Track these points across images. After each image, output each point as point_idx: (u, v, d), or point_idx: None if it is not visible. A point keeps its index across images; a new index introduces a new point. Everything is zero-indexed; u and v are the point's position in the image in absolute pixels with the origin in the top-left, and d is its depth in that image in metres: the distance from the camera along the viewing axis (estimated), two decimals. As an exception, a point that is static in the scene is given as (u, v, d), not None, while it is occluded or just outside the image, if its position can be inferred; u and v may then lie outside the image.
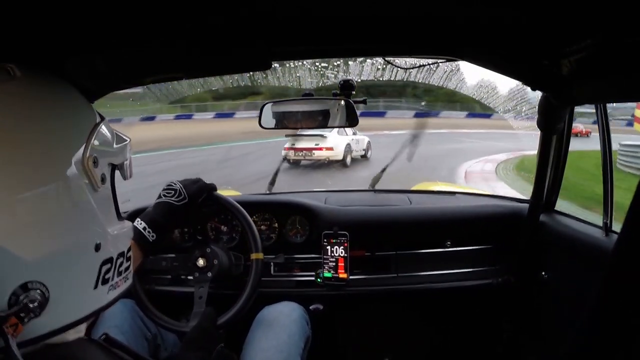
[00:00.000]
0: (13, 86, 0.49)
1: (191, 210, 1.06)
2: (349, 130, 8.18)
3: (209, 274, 1.12)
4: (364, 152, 8.85)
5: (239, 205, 1.17)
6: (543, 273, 1.27)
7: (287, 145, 7.79)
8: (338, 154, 7.84)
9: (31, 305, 0.45)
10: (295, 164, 7.95)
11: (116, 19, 0.62)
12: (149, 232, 0.99)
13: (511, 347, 1.48)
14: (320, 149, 7.77)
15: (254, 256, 1.14)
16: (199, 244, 1.16)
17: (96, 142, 0.54)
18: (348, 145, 8.19)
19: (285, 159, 7.65)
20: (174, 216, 1.04)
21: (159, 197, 1.06)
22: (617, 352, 0.36)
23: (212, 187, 1.12)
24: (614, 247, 0.40)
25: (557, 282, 1.23)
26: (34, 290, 0.46)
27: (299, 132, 6.85)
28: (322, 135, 7.57)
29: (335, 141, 7.84)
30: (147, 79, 0.94)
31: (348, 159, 7.91)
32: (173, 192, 1.05)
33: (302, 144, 7.64)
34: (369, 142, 8.99)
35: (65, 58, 0.69)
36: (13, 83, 0.49)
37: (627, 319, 0.36)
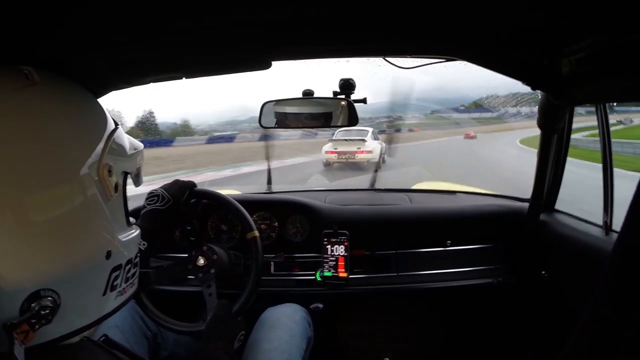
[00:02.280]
0: (34, 92, 0.49)
1: (179, 210, 1.07)
2: (376, 134, 9.15)
3: (212, 271, 1.12)
4: (383, 155, 9.58)
5: (222, 194, 1.18)
6: (543, 272, 1.28)
7: (328, 149, 8.81)
8: (376, 156, 8.54)
9: (42, 313, 0.45)
10: (331, 165, 8.94)
11: (117, 19, 0.62)
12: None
13: (511, 346, 1.48)
14: (362, 152, 8.60)
15: (249, 235, 1.14)
16: (195, 245, 1.15)
17: (112, 150, 0.54)
18: (381, 149, 8.84)
19: (326, 161, 8.94)
20: (163, 221, 1.04)
21: (144, 207, 1.06)
22: (618, 352, 0.36)
23: (192, 184, 1.14)
24: (614, 246, 0.40)
25: (557, 281, 1.23)
26: (46, 298, 0.46)
27: (340, 137, 8.63)
28: (363, 140, 8.59)
29: (373, 145, 8.73)
30: (147, 79, 0.94)
31: (381, 161, 8.67)
32: (156, 198, 1.06)
33: (344, 147, 8.63)
34: (385, 146, 9.72)
35: (69, 58, 0.69)
36: (34, 88, 0.49)
37: (627, 318, 0.36)
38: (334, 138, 8.76)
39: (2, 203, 0.44)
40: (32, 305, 0.45)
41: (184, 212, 1.10)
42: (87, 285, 0.51)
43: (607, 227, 1.05)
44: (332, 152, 8.80)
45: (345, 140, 8.53)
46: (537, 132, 1.21)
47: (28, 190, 0.45)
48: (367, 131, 8.85)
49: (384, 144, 9.34)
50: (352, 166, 8.49)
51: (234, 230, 1.43)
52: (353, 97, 1.18)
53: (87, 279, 0.51)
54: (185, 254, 1.16)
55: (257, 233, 1.14)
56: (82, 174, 0.50)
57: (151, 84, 0.98)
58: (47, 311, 0.46)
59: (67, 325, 0.50)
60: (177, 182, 1.12)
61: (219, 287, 1.14)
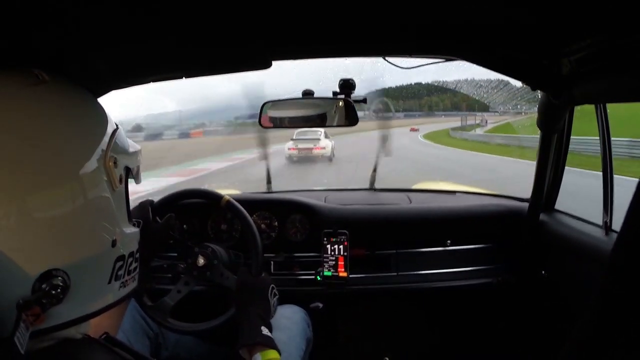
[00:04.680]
0: (44, 90, 0.52)
1: (154, 229, 1.03)
2: (327, 134, 11.32)
3: (215, 262, 1.12)
4: (333, 151, 12.17)
5: (176, 190, 1.20)
6: (543, 272, 1.28)
7: (290, 146, 10.98)
8: (328, 152, 11.27)
9: (53, 292, 0.47)
10: (292, 160, 11.11)
11: (117, 19, 0.62)
12: None
13: (511, 346, 1.48)
14: (318, 148, 11.07)
15: (222, 202, 1.15)
16: (185, 252, 1.14)
17: (116, 145, 0.57)
18: (331, 146, 11.44)
19: (289, 156, 11.02)
20: (147, 245, 1.00)
21: None
22: (617, 352, 0.36)
23: (149, 201, 1.12)
24: (614, 246, 0.40)
25: (557, 281, 1.24)
26: (57, 278, 0.48)
27: (300, 137, 10.91)
28: (317, 139, 11.01)
29: (325, 142, 11.24)
30: (147, 78, 0.95)
31: (332, 156, 11.50)
32: None
33: (303, 145, 11.01)
34: (333, 144, 12.01)
35: (69, 58, 0.69)
36: (44, 87, 0.52)
37: (627, 318, 0.36)
38: (294, 137, 10.96)
39: (15, 193, 0.46)
40: (43, 285, 0.47)
41: (160, 228, 1.05)
42: (94, 271, 0.54)
43: (607, 227, 1.05)
44: (293, 149, 11.04)
45: (304, 139, 10.90)
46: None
47: (38, 178, 0.47)
48: (320, 132, 10.86)
49: (333, 142, 11.73)
50: (308, 159, 10.99)
51: (233, 229, 1.44)
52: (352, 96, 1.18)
53: (94, 264, 0.53)
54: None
55: (227, 197, 1.16)
56: (91, 165, 0.52)
57: (151, 83, 0.98)
58: (58, 290, 0.48)
59: (76, 310, 0.52)
60: (134, 208, 1.06)
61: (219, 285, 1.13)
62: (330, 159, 11.23)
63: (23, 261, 0.46)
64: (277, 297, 1.01)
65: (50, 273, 0.47)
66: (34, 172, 0.47)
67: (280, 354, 0.84)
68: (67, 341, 0.53)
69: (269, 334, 0.87)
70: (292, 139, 11.02)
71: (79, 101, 0.56)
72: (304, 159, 11.01)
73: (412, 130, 21.40)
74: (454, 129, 20.38)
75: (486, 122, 19.23)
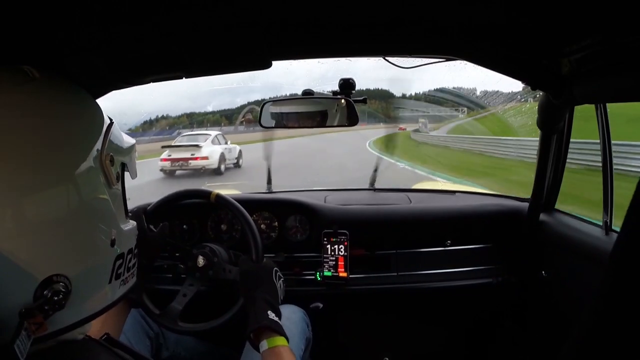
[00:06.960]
0: (34, 87, 0.50)
1: (149, 238, 1.02)
2: (221, 139, 8.85)
3: (216, 260, 1.12)
4: (236, 160, 9.37)
5: (165, 196, 1.20)
6: (543, 272, 1.28)
7: (163, 156, 8.16)
8: (213, 162, 8.22)
9: (55, 298, 0.46)
10: (170, 174, 8.28)
11: (117, 19, 0.62)
12: None
13: (510, 346, 1.48)
14: (196, 158, 8.08)
15: (212, 197, 1.15)
16: (184, 255, 1.14)
17: (111, 142, 0.56)
18: (222, 154, 8.55)
19: (162, 170, 8.12)
20: (145, 253, 0.97)
21: None
22: (617, 352, 0.36)
23: (143, 208, 1.12)
24: (614, 246, 0.40)
25: (557, 281, 1.23)
26: (58, 284, 0.47)
27: (175, 143, 8.18)
28: (197, 145, 8.10)
29: (209, 150, 8.23)
30: (147, 78, 0.94)
31: (222, 167, 8.43)
32: None
33: (178, 154, 8.03)
34: (240, 151, 9.44)
35: (68, 58, 0.69)
36: (34, 84, 0.50)
37: (627, 318, 0.36)
38: (173, 144, 8.41)
39: (11, 196, 0.45)
40: (45, 292, 0.46)
41: (155, 237, 1.04)
42: (95, 273, 0.53)
43: (607, 227, 1.05)
44: (165, 160, 8.15)
45: (180, 146, 8.21)
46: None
47: (33, 180, 0.46)
48: (209, 135, 8.58)
49: (236, 148, 9.22)
50: (194, 173, 8.14)
51: (233, 230, 1.44)
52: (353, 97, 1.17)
53: (95, 265, 0.53)
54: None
55: (216, 191, 1.17)
56: (87, 165, 0.51)
57: (151, 83, 0.98)
58: (60, 296, 0.47)
59: (77, 313, 0.51)
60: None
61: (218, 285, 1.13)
62: (217, 171, 8.21)
63: (25, 267, 0.45)
64: (282, 279, 1.00)
65: (52, 279, 0.47)
66: (27, 174, 0.46)
67: (288, 340, 0.83)
68: (68, 342, 0.53)
69: (275, 318, 0.85)
70: (163, 146, 8.33)
71: (71, 98, 0.55)
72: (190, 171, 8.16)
73: (400, 129, 21.64)
74: (414, 131, 20.52)
75: (426, 125, 20.02)
